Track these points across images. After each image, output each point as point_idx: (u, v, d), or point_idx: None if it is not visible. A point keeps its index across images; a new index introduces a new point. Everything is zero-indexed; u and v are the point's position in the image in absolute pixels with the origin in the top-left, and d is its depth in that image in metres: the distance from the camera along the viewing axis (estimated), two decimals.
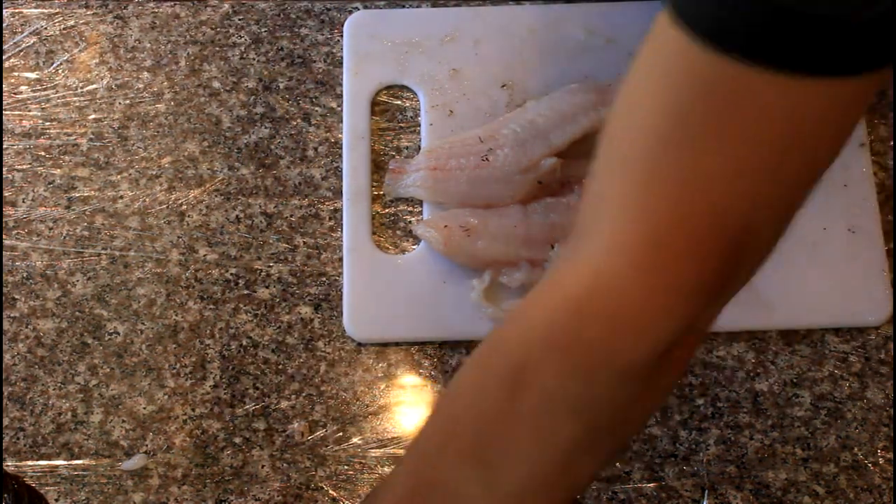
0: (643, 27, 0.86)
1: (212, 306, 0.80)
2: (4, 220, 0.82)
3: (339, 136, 0.84)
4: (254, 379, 0.78)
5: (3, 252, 0.81)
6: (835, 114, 0.44)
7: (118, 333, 0.79)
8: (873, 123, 0.84)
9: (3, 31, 0.88)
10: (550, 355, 0.47)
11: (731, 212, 0.45)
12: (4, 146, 0.84)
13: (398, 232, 0.82)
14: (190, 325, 0.79)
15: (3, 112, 0.85)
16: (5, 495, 0.59)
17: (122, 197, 0.83)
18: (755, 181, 0.45)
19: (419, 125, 0.84)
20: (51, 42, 0.88)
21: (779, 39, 0.42)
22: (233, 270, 0.81)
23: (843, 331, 0.78)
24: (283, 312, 0.80)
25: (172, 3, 0.89)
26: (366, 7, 0.88)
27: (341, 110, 0.85)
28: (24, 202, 0.83)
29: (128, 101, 0.86)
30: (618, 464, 0.75)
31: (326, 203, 0.83)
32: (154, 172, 0.84)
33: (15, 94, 0.86)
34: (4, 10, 0.89)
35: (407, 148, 0.84)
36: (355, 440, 0.76)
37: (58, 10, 0.89)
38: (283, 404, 0.77)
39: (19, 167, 0.84)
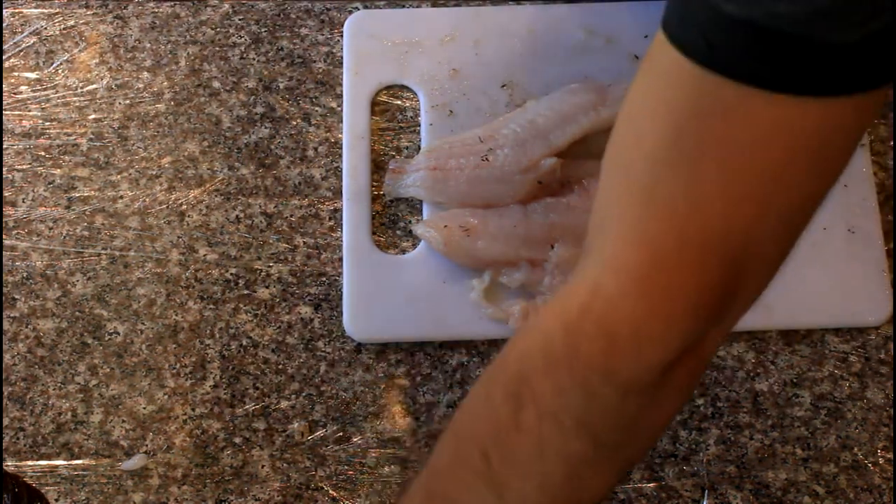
0: (643, 27, 0.87)
1: (212, 306, 0.80)
2: (4, 220, 0.82)
3: (339, 136, 0.84)
4: (254, 379, 0.78)
5: (3, 252, 0.81)
6: (832, 133, 0.44)
7: (118, 333, 0.79)
8: (873, 123, 0.84)
9: (3, 31, 0.88)
10: (550, 370, 0.47)
11: (730, 233, 0.45)
12: (4, 146, 0.84)
13: (398, 232, 0.82)
14: (190, 325, 0.79)
15: (3, 112, 0.85)
16: (4, 496, 0.59)
17: (122, 197, 0.83)
18: (754, 202, 0.45)
19: (419, 125, 0.84)
20: (51, 42, 0.88)
21: (767, 61, 0.42)
22: (233, 270, 0.81)
23: (843, 331, 0.78)
24: (283, 312, 0.80)
25: (172, 3, 0.89)
26: (366, 7, 0.88)
27: (341, 110, 0.85)
28: (24, 202, 0.83)
29: (128, 101, 0.86)
30: None
31: (326, 203, 0.83)
32: (154, 172, 0.84)
33: (15, 94, 0.86)
34: (4, 10, 0.89)
35: (407, 148, 0.84)
36: (355, 440, 0.76)
37: (58, 10, 0.89)
38: (283, 404, 0.77)
39: (19, 167, 0.84)
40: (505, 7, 0.88)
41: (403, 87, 0.85)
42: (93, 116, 0.85)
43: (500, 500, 0.49)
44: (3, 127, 0.85)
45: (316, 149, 0.84)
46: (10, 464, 0.76)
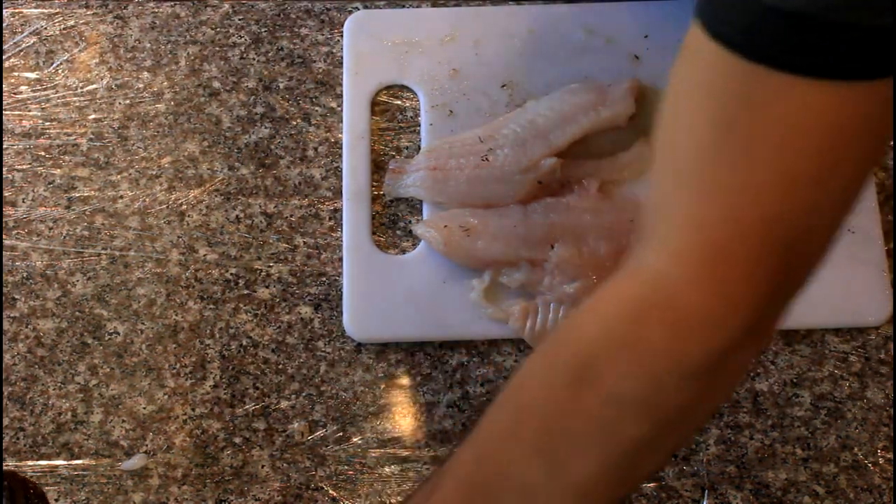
0: (643, 27, 0.87)
1: (212, 306, 0.80)
2: (4, 220, 0.82)
3: (339, 136, 0.84)
4: (254, 379, 0.78)
5: (3, 252, 0.81)
6: (876, 114, 0.45)
7: (118, 333, 0.79)
8: None
9: (3, 31, 0.88)
10: (616, 356, 0.48)
11: (784, 219, 0.46)
12: (4, 146, 0.84)
13: (398, 232, 0.82)
14: (190, 325, 0.79)
15: (3, 112, 0.85)
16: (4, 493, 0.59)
17: (122, 197, 0.83)
18: (807, 187, 0.46)
19: (419, 125, 0.84)
20: (51, 42, 0.88)
21: (807, 48, 0.43)
22: (233, 270, 0.81)
23: (843, 331, 0.78)
24: (283, 312, 0.80)
25: (172, 3, 0.89)
26: (366, 7, 0.89)
27: (341, 110, 0.85)
28: (24, 202, 0.83)
29: (128, 101, 0.86)
30: None
31: (326, 203, 0.83)
32: (154, 172, 0.84)
33: (15, 94, 0.86)
34: (4, 10, 0.89)
35: (407, 148, 0.84)
36: (355, 440, 0.76)
37: (58, 10, 0.89)
38: (283, 404, 0.77)
39: (19, 167, 0.84)
40: (505, 7, 0.88)
41: (403, 87, 0.85)
42: (93, 116, 0.85)
43: (554, 475, 0.50)
44: (3, 127, 0.85)
45: (316, 149, 0.84)
46: (9, 464, 0.76)
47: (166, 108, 0.86)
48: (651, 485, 0.75)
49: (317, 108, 0.86)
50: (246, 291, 0.80)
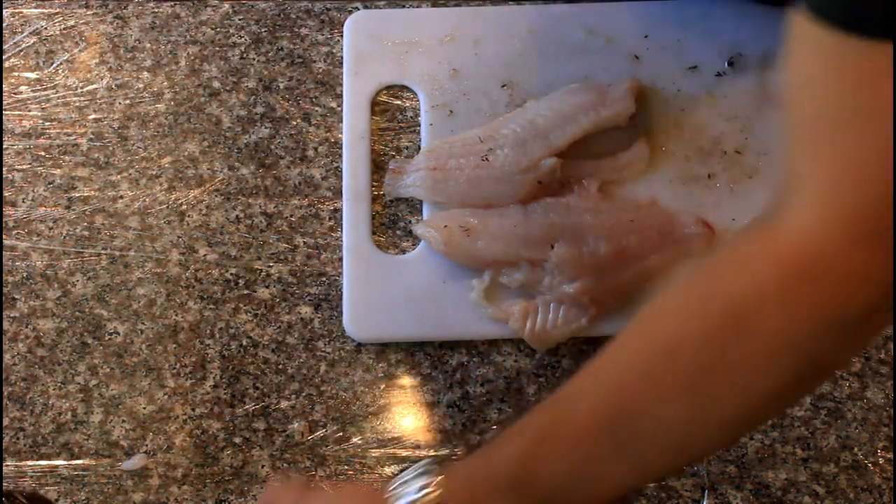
0: (643, 27, 0.87)
1: (212, 306, 0.80)
2: (4, 220, 0.82)
3: (339, 136, 0.84)
4: (254, 379, 0.78)
5: (3, 252, 0.81)
6: None
7: (118, 333, 0.79)
8: None
9: (3, 31, 0.88)
10: (772, 310, 0.51)
11: None
12: (4, 146, 0.84)
13: (398, 232, 0.82)
14: (190, 325, 0.79)
15: (3, 112, 0.85)
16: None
17: (122, 197, 0.83)
18: None
19: (419, 125, 0.84)
20: (51, 42, 0.88)
21: None
22: (233, 270, 0.81)
23: None
24: (283, 312, 0.80)
25: (172, 3, 0.89)
26: (366, 7, 0.88)
27: (341, 110, 0.85)
28: (24, 202, 0.83)
29: (128, 101, 0.86)
30: None
31: (326, 203, 0.83)
32: (154, 172, 0.84)
33: (15, 94, 0.86)
34: (4, 10, 0.89)
35: (407, 148, 0.84)
36: (355, 440, 0.76)
37: (58, 10, 0.89)
38: (283, 404, 0.77)
39: (19, 167, 0.84)
40: (505, 7, 0.88)
41: (403, 87, 0.85)
42: (93, 116, 0.85)
43: (698, 413, 0.53)
44: (3, 127, 0.85)
45: (316, 149, 0.84)
46: (9, 464, 0.76)
47: (166, 108, 0.86)
48: (651, 485, 0.74)
49: (317, 108, 0.86)
50: (246, 291, 0.80)
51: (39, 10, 0.89)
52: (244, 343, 0.79)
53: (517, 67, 0.85)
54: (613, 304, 0.77)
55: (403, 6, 0.89)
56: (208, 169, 0.84)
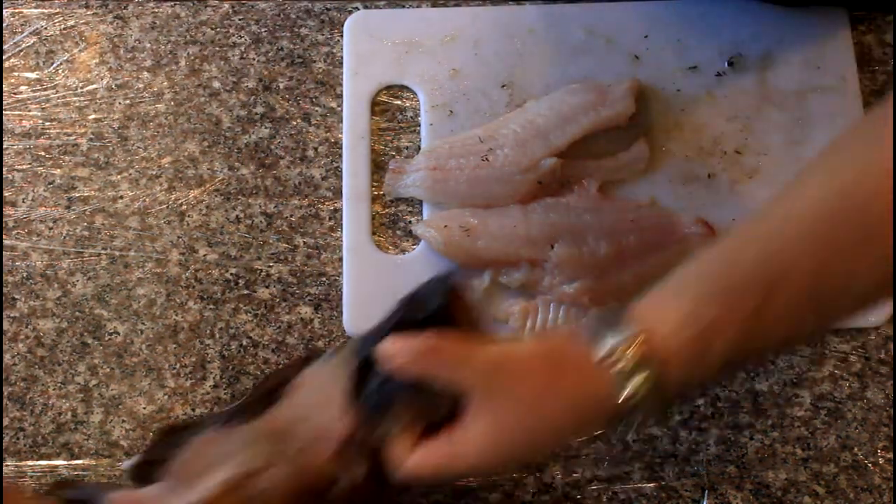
0: (643, 27, 0.87)
1: (212, 306, 0.80)
2: (4, 220, 0.82)
3: (339, 136, 0.84)
4: (254, 379, 0.78)
5: (3, 252, 0.81)
6: None
7: (118, 333, 0.79)
8: None
9: (3, 31, 0.88)
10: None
11: None
12: (4, 146, 0.84)
13: (398, 232, 0.82)
14: (190, 325, 0.79)
15: (3, 112, 0.85)
16: None
17: (122, 197, 0.83)
18: None
19: (419, 125, 0.84)
20: (51, 42, 0.88)
21: None
22: (233, 270, 0.81)
23: (843, 331, 0.78)
24: (283, 312, 0.80)
25: (172, 3, 0.89)
26: (366, 7, 0.89)
27: (341, 110, 0.85)
28: (24, 202, 0.83)
29: (128, 101, 0.86)
30: (618, 464, 0.75)
31: (326, 203, 0.83)
32: (154, 172, 0.84)
33: (15, 94, 0.86)
34: (4, 10, 0.89)
35: (407, 148, 0.84)
36: None
37: (58, 10, 0.89)
38: None
39: (19, 167, 0.84)
40: (505, 7, 0.88)
41: (403, 87, 0.85)
42: (93, 116, 0.85)
43: (827, 314, 0.57)
44: (3, 127, 0.85)
45: (316, 149, 0.84)
46: (9, 464, 0.76)
47: (166, 108, 0.86)
48: (651, 485, 0.75)
49: (317, 108, 0.86)
50: (246, 291, 0.80)
51: (39, 10, 0.89)
52: (244, 343, 0.79)
53: (517, 67, 0.85)
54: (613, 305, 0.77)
55: (403, 6, 0.89)
56: (208, 169, 0.84)
